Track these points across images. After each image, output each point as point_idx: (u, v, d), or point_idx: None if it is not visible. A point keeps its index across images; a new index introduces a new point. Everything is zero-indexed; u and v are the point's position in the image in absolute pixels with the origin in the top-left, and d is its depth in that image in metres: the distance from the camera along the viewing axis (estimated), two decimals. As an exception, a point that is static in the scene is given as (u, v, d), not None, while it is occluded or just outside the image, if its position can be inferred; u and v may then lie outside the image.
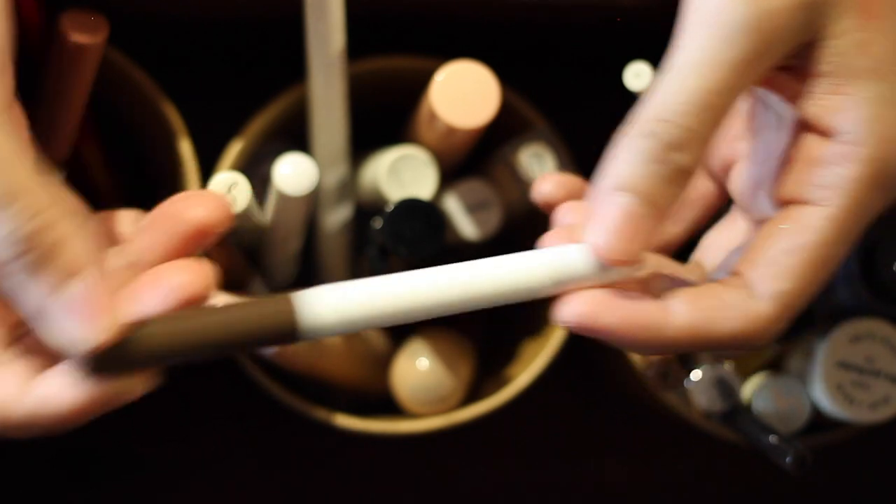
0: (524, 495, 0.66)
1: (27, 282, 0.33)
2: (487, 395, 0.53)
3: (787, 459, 0.47)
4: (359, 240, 0.55)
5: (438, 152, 0.51)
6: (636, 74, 0.48)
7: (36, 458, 0.63)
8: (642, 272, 0.36)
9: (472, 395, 0.55)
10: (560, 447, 0.66)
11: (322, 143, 0.51)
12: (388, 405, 0.57)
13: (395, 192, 0.50)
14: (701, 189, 0.45)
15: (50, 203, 0.33)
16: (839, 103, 0.35)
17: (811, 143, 0.36)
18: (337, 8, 0.47)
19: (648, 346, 0.35)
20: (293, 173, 0.47)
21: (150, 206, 0.52)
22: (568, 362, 0.55)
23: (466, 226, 0.53)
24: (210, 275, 0.34)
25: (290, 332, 0.32)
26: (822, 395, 0.51)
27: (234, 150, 0.52)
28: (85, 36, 0.45)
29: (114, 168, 0.55)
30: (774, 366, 0.55)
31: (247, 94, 0.53)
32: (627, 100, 0.48)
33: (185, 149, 0.52)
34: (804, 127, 0.36)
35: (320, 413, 0.52)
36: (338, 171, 0.51)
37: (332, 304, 0.33)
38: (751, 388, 0.53)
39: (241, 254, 0.50)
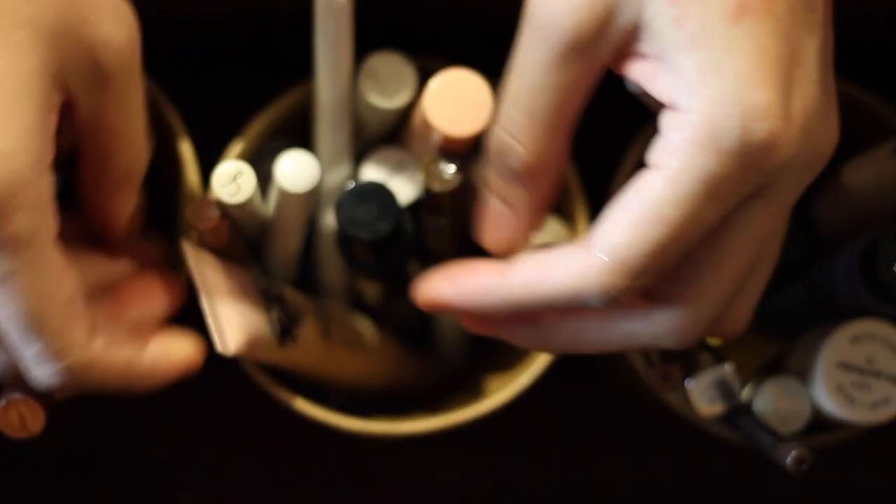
0: (524, 495, 0.66)
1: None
2: (487, 395, 0.53)
3: (788, 460, 0.47)
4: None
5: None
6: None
7: (36, 458, 0.63)
8: None
9: (472, 395, 0.55)
10: (560, 447, 0.66)
11: (326, 143, 0.51)
12: (388, 405, 0.57)
13: (374, 96, 0.50)
14: None
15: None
16: (671, 78, 0.36)
17: (662, 116, 0.37)
18: (347, 8, 0.47)
19: (491, 309, 0.39)
20: (295, 170, 0.47)
21: (150, 205, 0.52)
22: (568, 362, 0.55)
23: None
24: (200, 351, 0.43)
25: None
26: (823, 396, 0.51)
27: (235, 149, 0.52)
28: (85, 36, 0.44)
29: (114, 168, 0.55)
30: (774, 366, 0.55)
31: (247, 93, 0.53)
32: (628, 100, 0.48)
33: (185, 149, 0.52)
34: (660, 104, 0.38)
35: (320, 413, 0.52)
36: (341, 172, 0.51)
37: None
38: (751, 389, 0.53)
39: (241, 241, 0.50)
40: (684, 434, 0.55)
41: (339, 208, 0.47)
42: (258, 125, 0.53)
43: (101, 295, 0.44)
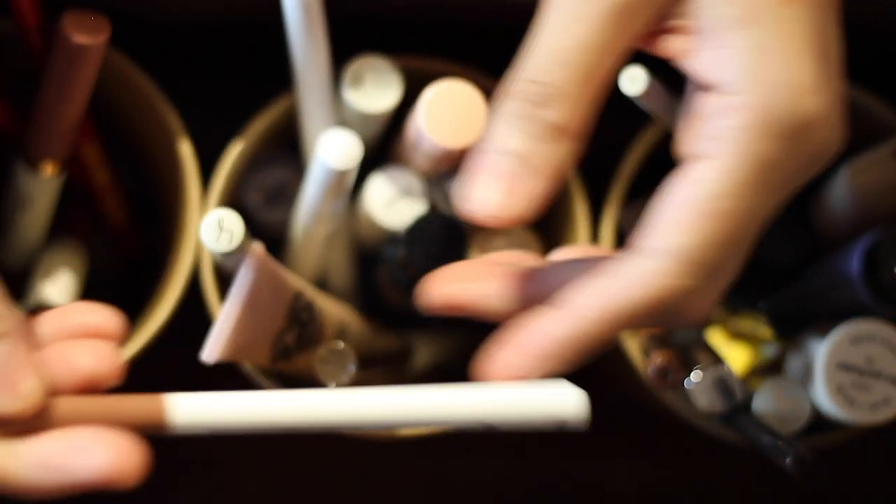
0: (524, 495, 0.66)
1: None
2: (487, 396, 0.53)
3: (788, 460, 0.47)
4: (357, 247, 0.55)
5: (424, 172, 0.51)
6: (632, 79, 0.48)
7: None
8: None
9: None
10: (560, 447, 0.66)
11: (311, 134, 0.51)
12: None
13: (359, 101, 0.50)
14: None
15: None
16: (716, 57, 0.34)
17: (700, 99, 0.35)
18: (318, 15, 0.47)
19: (568, 357, 0.35)
20: (336, 148, 0.46)
21: (150, 205, 0.52)
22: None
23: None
24: (117, 362, 0.34)
25: (162, 428, 0.37)
26: (823, 397, 0.51)
27: (234, 150, 0.52)
28: (86, 37, 0.45)
29: (114, 168, 0.55)
30: (774, 366, 0.55)
31: (247, 94, 0.53)
32: (626, 100, 0.49)
33: (185, 149, 0.52)
34: (694, 85, 0.36)
35: (320, 413, 0.52)
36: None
37: (200, 411, 0.37)
38: (751, 389, 0.53)
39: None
40: (684, 434, 0.55)
41: (411, 242, 0.47)
42: (258, 126, 0.53)
43: None
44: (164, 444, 0.64)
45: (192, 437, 0.64)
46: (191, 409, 0.36)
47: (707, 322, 0.37)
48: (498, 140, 0.35)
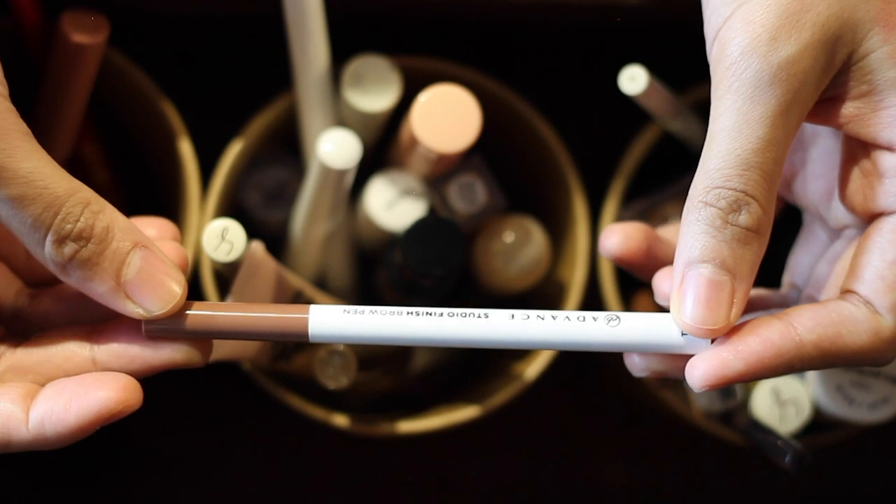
0: (524, 495, 0.66)
1: (93, 272, 0.36)
2: (487, 395, 0.53)
3: (787, 459, 0.47)
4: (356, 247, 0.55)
5: (420, 175, 0.51)
6: (631, 78, 0.48)
7: (38, 458, 0.63)
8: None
9: (472, 396, 0.55)
10: (560, 447, 0.66)
11: (311, 131, 0.51)
12: (388, 405, 0.57)
13: (359, 100, 0.50)
14: None
15: (89, 191, 0.36)
16: (888, 117, 0.36)
17: (876, 157, 0.37)
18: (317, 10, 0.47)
19: (782, 372, 0.36)
20: (335, 148, 0.46)
21: (150, 205, 0.52)
22: (567, 363, 0.55)
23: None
24: (136, 396, 0.37)
25: (303, 336, 0.37)
26: (822, 396, 0.51)
27: (234, 150, 0.52)
28: (85, 36, 0.45)
29: (114, 168, 0.55)
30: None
31: (247, 94, 0.53)
32: (626, 100, 0.49)
33: (185, 149, 0.52)
34: (863, 145, 0.37)
35: (320, 413, 0.52)
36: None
37: (340, 321, 0.37)
38: (750, 388, 0.53)
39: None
40: (684, 434, 0.56)
41: (408, 245, 0.47)
42: (257, 125, 0.53)
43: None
44: (164, 443, 0.64)
45: (194, 436, 0.64)
46: (325, 322, 0.37)
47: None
48: (697, 252, 0.36)
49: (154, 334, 0.37)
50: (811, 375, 0.52)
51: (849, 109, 0.37)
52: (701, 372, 0.35)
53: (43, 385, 0.37)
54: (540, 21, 0.56)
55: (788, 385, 0.53)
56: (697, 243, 0.35)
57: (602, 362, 0.63)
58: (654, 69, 0.48)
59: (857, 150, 0.38)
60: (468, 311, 0.37)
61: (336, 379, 0.48)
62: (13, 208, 0.35)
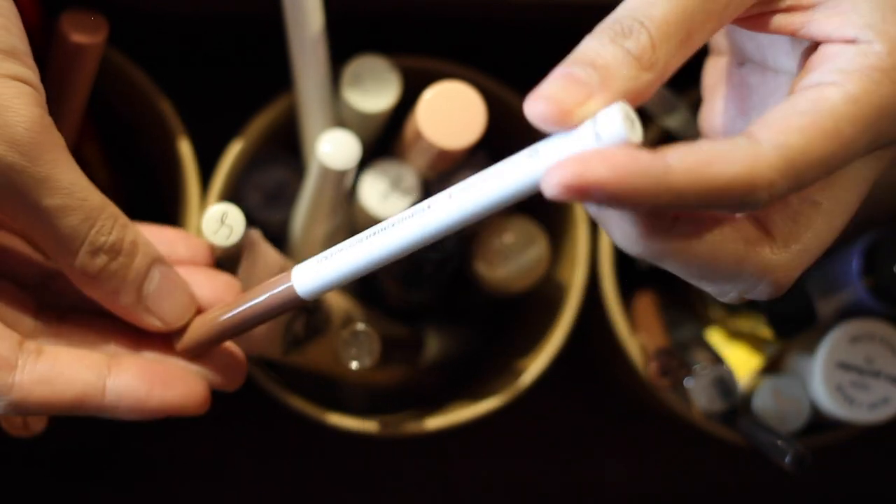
0: (524, 495, 0.66)
1: (121, 284, 0.39)
2: (487, 395, 0.53)
3: (787, 459, 0.47)
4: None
5: (425, 171, 0.51)
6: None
7: (39, 459, 0.63)
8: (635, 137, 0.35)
9: (472, 395, 0.55)
10: (560, 447, 0.66)
11: (310, 133, 0.51)
12: (388, 404, 0.57)
13: (358, 101, 0.50)
14: None
15: (115, 206, 0.38)
16: (844, 20, 0.36)
17: (828, 48, 0.37)
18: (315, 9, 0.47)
19: (649, 196, 0.34)
20: (335, 148, 0.47)
21: (150, 205, 0.52)
22: (568, 362, 0.55)
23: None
24: (208, 402, 0.41)
25: (296, 299, 0.38)
26: (822, 396, 0.51)
27: (234, 150, 0.52)
28: (85, 36, 0.45)
29: (114, 168, 0.55)
30: (774, 366, 0.55)
31: (247, 93, 0.53)
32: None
33: (185, 149, 0.52)
34: (810, 50, 0.37)
35: (320, 413, 0.52)
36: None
37: (319, 271, 0.38)
38: (751, 388, 0.53)
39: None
40: (684, 434, 0.56)
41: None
42: (257, 125, 0.53)
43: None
44: (164, 443, 0.64)
45: (195, 431, 0.64)
46: (308, 278, 0.38)
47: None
48: (579, 54, 0.35)
49: (186, 347, 0.40)
50: (811, 375, 0.52)
51: (796, 17, 0.37)
52: (559, 174, 0.33)
53: None
54: (540, 21, 0.56)
55: (788, 385, 0.53)
56: (582, 49, 0.35)
57: (602, 362, 0.63)
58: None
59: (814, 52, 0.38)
60: (412, 210, 0.36)
61: (360, 359, 0.48)
62: (53, 218, 0.36)
